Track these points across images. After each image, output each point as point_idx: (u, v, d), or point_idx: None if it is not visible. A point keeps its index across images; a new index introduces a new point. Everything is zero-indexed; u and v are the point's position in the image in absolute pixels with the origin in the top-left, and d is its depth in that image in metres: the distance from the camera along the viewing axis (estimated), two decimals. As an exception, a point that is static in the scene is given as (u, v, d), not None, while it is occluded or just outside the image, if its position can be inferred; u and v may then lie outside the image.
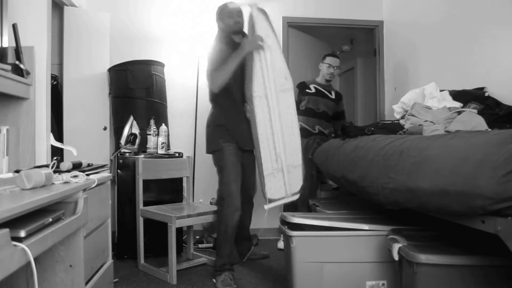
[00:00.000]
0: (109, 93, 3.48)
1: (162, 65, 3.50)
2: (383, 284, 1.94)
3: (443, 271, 1.51)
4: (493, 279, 1.50)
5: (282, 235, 2.18)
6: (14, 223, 0.95)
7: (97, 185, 1.64)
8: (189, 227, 3.12)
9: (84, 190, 1.49)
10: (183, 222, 2.64)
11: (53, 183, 1.36)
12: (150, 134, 3.18)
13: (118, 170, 3.07)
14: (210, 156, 2.66)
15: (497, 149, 1.28)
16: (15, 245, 0.91)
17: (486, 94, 2.46)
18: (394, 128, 2.42)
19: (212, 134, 2.61)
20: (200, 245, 3.45)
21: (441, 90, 2.55)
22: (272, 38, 2.55)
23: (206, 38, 3.38)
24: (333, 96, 3.54)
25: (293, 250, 1.94)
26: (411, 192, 1.55)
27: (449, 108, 2.31)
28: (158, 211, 2.72)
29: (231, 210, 2.49)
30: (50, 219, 1.17)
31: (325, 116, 3.48)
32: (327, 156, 2.69)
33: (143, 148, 3.19)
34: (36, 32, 1.99)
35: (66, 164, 1.61)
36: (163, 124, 3.24)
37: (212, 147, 2.59)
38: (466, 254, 1.53)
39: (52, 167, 1.43)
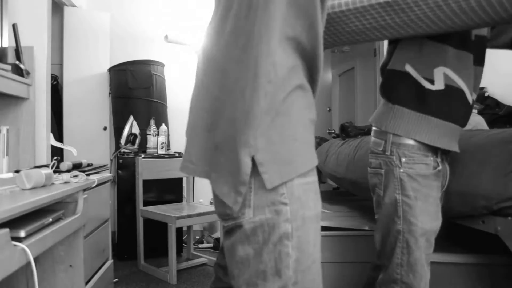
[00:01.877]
0: (109, 93, 3.48)
1: (162, 65, 3.50)
2: (383, 284, 1.94)
3: (443, 270, 1.51)
4: (494, 278, 1.50)
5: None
6: (14, 223, 0.95)
7: (97, 185, 1.64)
8: (189, 227, 3.12)
9: (84, 190, 1.49)
10: (183, 222, 2.64)
11: (53, 183, 1.36)
12: (150, 134, 3.17)
13: (118, 170, 3.07)
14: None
15: (497, 149, 1.28)
16: (15, 245, 0.91)
17: (486, 94, 2.47)
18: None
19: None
20: (200, 245, 3.45)
21: (441, 90, 2.54)
22: None
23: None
24: None
25: (293, 250, 1.94)
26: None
27: (449, 108, 2.31)
28: (158, 211, 2.72)
29: None
30: (50, 219, 1.17)
31: None
32: (327, 156, 2.69)
33: (143, 148, 3.19)
34: (36, 32, 1.99)
35: (66, 164, 1.61)
36: (163, 124, 3.24)
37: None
38: (466, 253, 1.53)
39: (52, 167, 1.43)
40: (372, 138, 1.27)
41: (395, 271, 1.17)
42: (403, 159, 1.15)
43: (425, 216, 1.14)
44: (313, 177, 0.79)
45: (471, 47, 1.19)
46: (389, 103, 1.22)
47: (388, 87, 1.24)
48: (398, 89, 1.20)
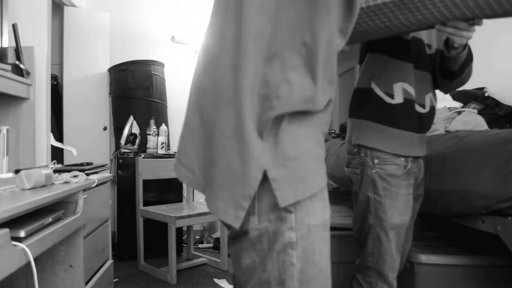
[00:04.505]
0: (109, 93, 3.48)
1: (162, 65, 3.50)
2: (383, 284, 1.94)
3: (443, 271, 1.51)
4: (493, 279, 1.50)
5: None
6: (14, 223, 0.95)
7: (97, 185, 1.64)
8: (189, 227, 3.12)
9: (84, 190, 1.49)
10: (183, 222, 2.64)
11: (53, 183, 1.36)
12: (150, 134, 3.18)
13: (118, 170, 3.07)
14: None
15: (497, 149, 1.28)
16: (15, 245, 0.91)
17: (486, 94, 2.47)
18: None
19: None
20: (200, 245, 3.45)
21: (441, 90, 2.55)
22: None
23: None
24: None
25: (293, 250, 1.94)
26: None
27: (449, 108, 2.31)
28: (158, 211, 2.72)
29: None
30: (50, 219, 1.17)
31: None
32: (326, 156, 2.69)
33: (143, 148, 3.19)
34: (36, 32, 1.99)
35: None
36: (163, 124, 3.24)
37: None
38: (466, 254, 1.53)
39: (52, 167, 1.43)
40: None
41: (368, 259, 1.30)
42: (376, 161, 1.25)
43: (393, 212, 1.24)
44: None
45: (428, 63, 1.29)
46: (356, 119, 1.32)
47: (356, 104, 1.34)
48: (363, 105, 1.30)
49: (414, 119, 1.26)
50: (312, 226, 0.71)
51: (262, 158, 0.68)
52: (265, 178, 0.69)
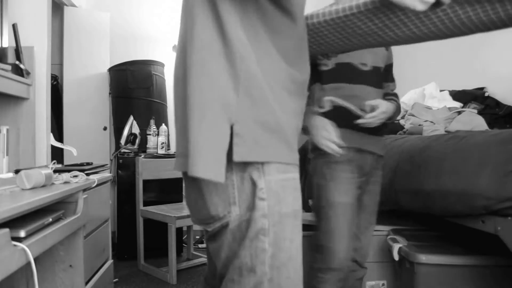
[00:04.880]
0: (109, 93, 3.48)
1: (162, 65, 3.50)
2: (383, 284, 1.94)
3: (443, 271, 1.51)
4: (494, 279, 1.50)
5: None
6: (14, 223, 0.95)
7: (97, 185, 1.64)
8: (189, 227, 3.12)
9: (84, 190, 1.49)
10: (183, 222, 2.64)
11: (53, 183, 1.36)
12: (150, 134, 3.17)
13: (118, 170, 3.07)
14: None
15: (497, 149, 1.29)
16: (15, 245, 0.91)
17: (486, 94, 2.47)
18: (394, 128, 2.42)
19: None
20: (200, 245, 3.45)
21: (441, 90, 2.55)
22: None
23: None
24: None
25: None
26: (414, 193, 1.55)
27: (449, 108, 2.31)
28: (158, 211, 2.72)
29: None
30: (50, 219, 1.17)
31: None
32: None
33: (143, 148, 3.19)
34: (36, 32, 1.99)
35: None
36: (163, 124, 3.24)
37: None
38: (466, 254, 1.53)
39: (52, 167, 1.43)
40: None
41: (321, 239, 1.45)
42: (322, 152, 1.44)
43: (337, 192, 1.44)
44: (293, 174, 0.79)
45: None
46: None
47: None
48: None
49: (348, 121, 1.45)
50: (283, 213, 0.74)
51: (232, 112, 0.72)
52: (244, 171, 0.73)
